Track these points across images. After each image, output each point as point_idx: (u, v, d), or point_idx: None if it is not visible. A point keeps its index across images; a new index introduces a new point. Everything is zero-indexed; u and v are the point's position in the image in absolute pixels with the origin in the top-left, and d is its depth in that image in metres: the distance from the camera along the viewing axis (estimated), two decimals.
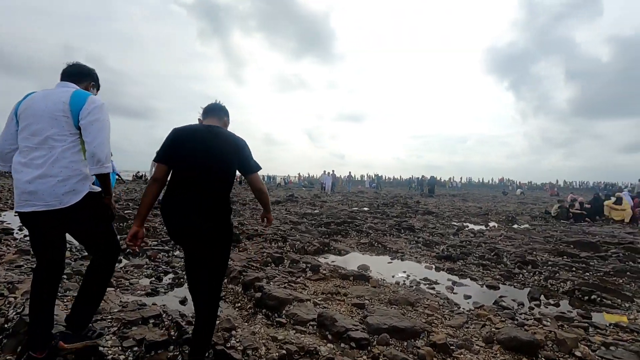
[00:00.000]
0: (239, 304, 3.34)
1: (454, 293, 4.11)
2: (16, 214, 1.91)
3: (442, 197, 24.13)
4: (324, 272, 4.28)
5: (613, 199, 11.99)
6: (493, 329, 2.89)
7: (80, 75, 2.06)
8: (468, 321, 3.09)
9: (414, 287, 4.13)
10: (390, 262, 5.50)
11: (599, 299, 3.93)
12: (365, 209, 13.89)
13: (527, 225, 10.43)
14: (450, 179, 38.13)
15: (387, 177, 50.06)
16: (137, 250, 3.00)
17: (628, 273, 4.89)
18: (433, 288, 4.21)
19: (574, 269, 5.07)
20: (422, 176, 26.99)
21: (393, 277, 4.58)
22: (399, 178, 55.06)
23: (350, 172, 21.29)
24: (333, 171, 21.48)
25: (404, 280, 4.42)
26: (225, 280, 3.75)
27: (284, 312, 2.94)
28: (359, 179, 44.75)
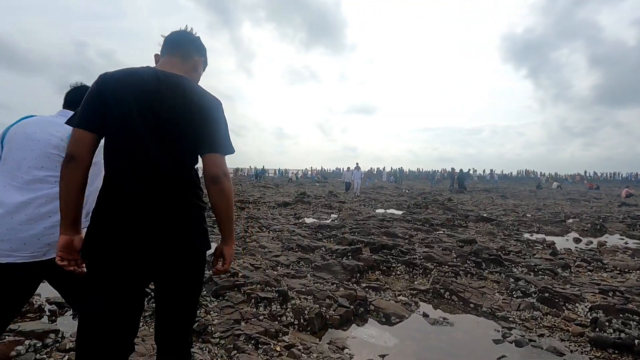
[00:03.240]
0: None
1: None
2: None
3: (476, 193, 21.03)
4: None
5: None
6: None
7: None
8: None
9: None
10: (498, 342, 2.69)
11: None
12: (395, 212, 11.02)
13: (635, 241, 7.39)
14: (484, 171, 34.02)
15: (405, 171, 46.83)
16: (79, 270, 1.28)
17: None
18: None
19: None
20: (452, 169, 23.92)
21: None
22: (415, 171, 51.95)
23: (357, 164, 18.34)
24: (357, 164, 18.50)
25: None
26: None
27: None
28: (374, 172, 41.68)
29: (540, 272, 4.31)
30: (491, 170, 32.50)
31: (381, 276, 4.33)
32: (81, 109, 1.16)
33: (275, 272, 3.92)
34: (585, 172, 48.01)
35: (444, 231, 7.59)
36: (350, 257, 4.67)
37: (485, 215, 9.59)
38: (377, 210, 11.42)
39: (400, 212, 10.96)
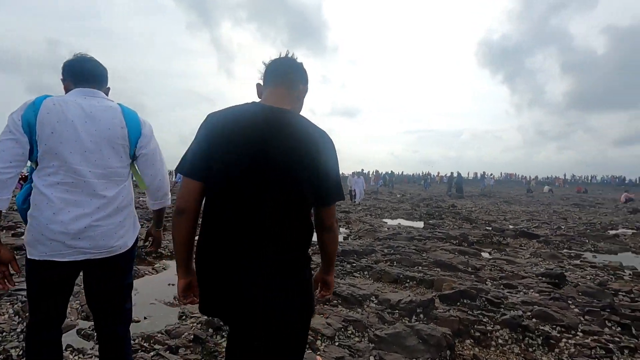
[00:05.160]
0: None
1: None
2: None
3: (476, 199, 19.95)
4: None
5: None
6: None
7: (102, 77, 1.55)
8: None
9: None
10: None
11: None
12: (408, 223, 9.49)
13: None
14: (482, 174, 32.72)
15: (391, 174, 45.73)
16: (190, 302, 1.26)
17: None
18: None
19: None
20: (452, 173, 22.87)
21: None
22: (399, 174, 50.99)
23: (362, 170, 16.83)
24: (362, 170, 16.90)
25: None
26: None
27: None
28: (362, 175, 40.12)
29: None
30: (483, 172, 31.67)
31: (476, 349, 2.73)
32: (190, 153, 1.13)
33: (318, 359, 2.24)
34: (565, 175, 48.73)
35: (489, 253, 6.11)
36: (421, 315, 3.03)
37: (523, 229, 8.20)
38: (388, 222, 9.89)
39: (416, 224, 9.45)
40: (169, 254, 5.35)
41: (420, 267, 4.62)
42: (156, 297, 3.54)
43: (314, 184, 1.11)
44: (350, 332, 2.76)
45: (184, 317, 3.04)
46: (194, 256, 1.17)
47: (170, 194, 1.72)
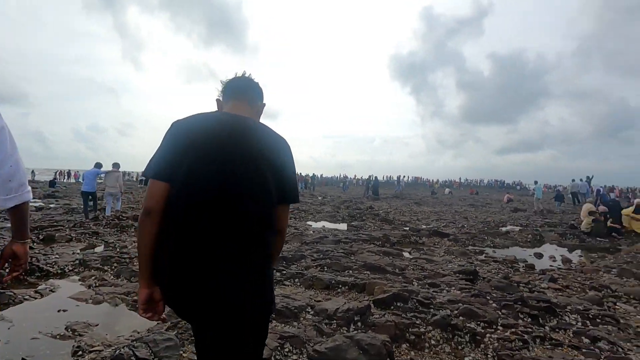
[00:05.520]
0: None
1: None
2: None
3: (390, 200, 21.35)
4: None
5: (631, 207, 9.94)
6: None
7: None
8: None
9: None
10: None
11: None
12: (332, 225, 9.60)
13: (583, 254, 7.44)
14: (398, 177, 35.32)
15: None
16: (161, 320, 1.26)
17: None
18: None
19: None
20: (370, 176, 24.06)
21: None
22: (319, 176, 52.24)
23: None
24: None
25: None
26: None
27: None
28: None
29: (599, 320, 3.31)
30: (398, 177, 34.33)
31: (412, 352, 2.74)
32: (157, 157, 1.13)
33: None
34: (460, 178, 55.51)
35: (409, 252, 6.45)
36: (359, 324, 2.94)
37: (434, 228, 8.91)
38: (313, 225, 9.88)
39: (340, 227, 9.61)
40: (58, 271, 4.43)
41: (350, 271, 4.60)
42: (40, 329, 2.83)
43: (277, 185, 1.15)
44: (287, 349, 2.53)
45: (80, 352, 2.45)
46: (163, 265, 1.11)
47: (28, 186, 1.30)
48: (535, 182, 20.74)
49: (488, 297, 3.59)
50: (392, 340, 2.74)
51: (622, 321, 3.36)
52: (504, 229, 9.91)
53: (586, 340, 2.90)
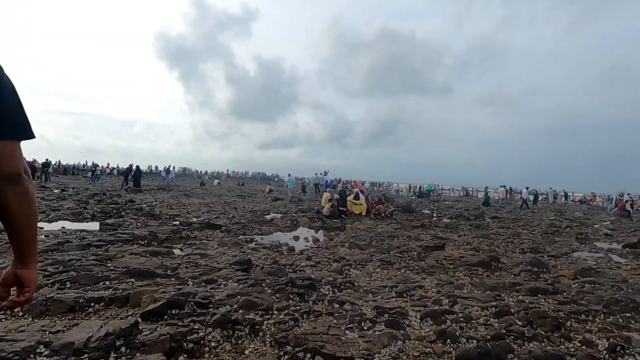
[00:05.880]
0: None
1: None
2: None
3: (155, 193, 19.35)
4: None
5: (352, 195, 13.30)
6: None
7: None
8: None
9: None
10: None
11: None
12: (86, 227, 7.64)
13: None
14: (167, 167, 32.09)
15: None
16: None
17: None
18: None
19: None
20: (130, 165, 20.56)
21: None
22: (55, 163, 40.63)
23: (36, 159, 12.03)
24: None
25: None
26: None
27: None
28: None
29: (343, 287, 4.11)
30: (167, 166, 31.75)
31: None
32: None
33: None
34: (227, 170, 58.02)
35: (181, 249, 5.98)
36: (123, 349, 2.33)
37: (206, 220, 8.68)
38: (45, 227, 7.47)
39: (90, 227, 7.75)
40: None
41: (108, 282, 3.70)
42: None
43: None
44: None
45: None
46: None
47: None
48: (289, 175, 24.48)
49: (264, 285, 3.78)
50: (167, 356, 2.36)
51: (355, 284, 4.35)
52: (268, 216, 10.99)
53: (336, 306, 3.54)
